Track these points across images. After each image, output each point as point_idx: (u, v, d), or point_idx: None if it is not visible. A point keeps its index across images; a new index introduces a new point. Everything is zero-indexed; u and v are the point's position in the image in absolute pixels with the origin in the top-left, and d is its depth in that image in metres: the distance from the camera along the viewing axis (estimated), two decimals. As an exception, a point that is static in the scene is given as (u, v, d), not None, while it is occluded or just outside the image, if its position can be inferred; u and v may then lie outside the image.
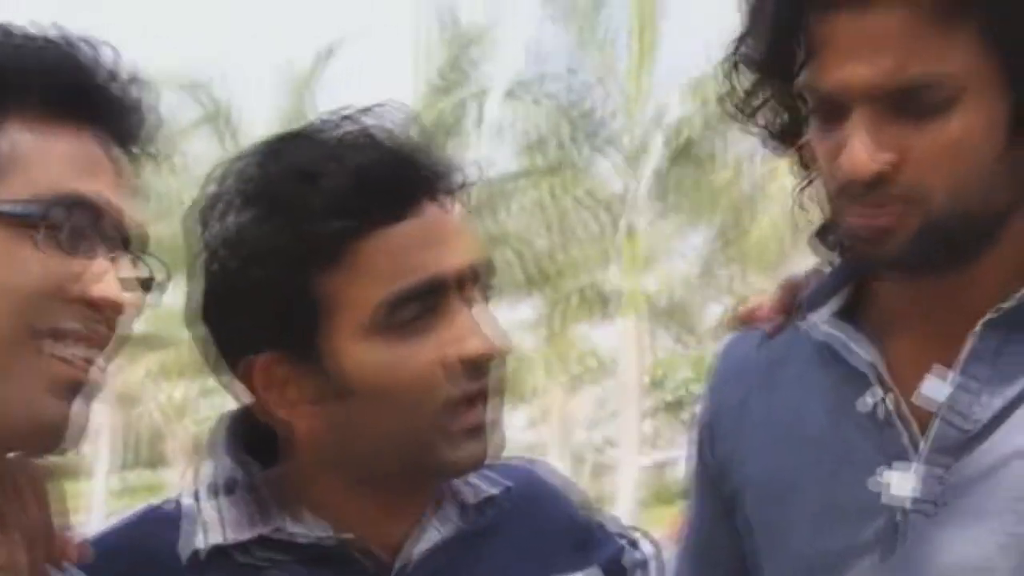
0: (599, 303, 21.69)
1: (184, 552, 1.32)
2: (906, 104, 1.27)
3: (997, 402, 1.32)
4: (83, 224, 1.07)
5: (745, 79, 1.38)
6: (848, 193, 1.29)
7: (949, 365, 1.34)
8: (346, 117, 1.34)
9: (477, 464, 1.34)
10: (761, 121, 1.40)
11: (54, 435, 1.03)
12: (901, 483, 1.33)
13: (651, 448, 28.42)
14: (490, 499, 1.41)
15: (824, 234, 1.41)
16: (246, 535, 1.32)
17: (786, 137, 1.40)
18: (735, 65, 1.38)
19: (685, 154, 19.50)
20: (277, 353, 1.32)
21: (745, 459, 1.46)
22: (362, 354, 1.30)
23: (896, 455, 1.34)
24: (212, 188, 1.35)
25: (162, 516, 1.36)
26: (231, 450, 1.36)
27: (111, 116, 1.11)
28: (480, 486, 1.41)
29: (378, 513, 1.35)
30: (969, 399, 1.32)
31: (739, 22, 1.36)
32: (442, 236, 1.32)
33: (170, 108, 20.92)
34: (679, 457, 39.19)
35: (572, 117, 20.16)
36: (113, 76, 1.12)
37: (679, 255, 23.54)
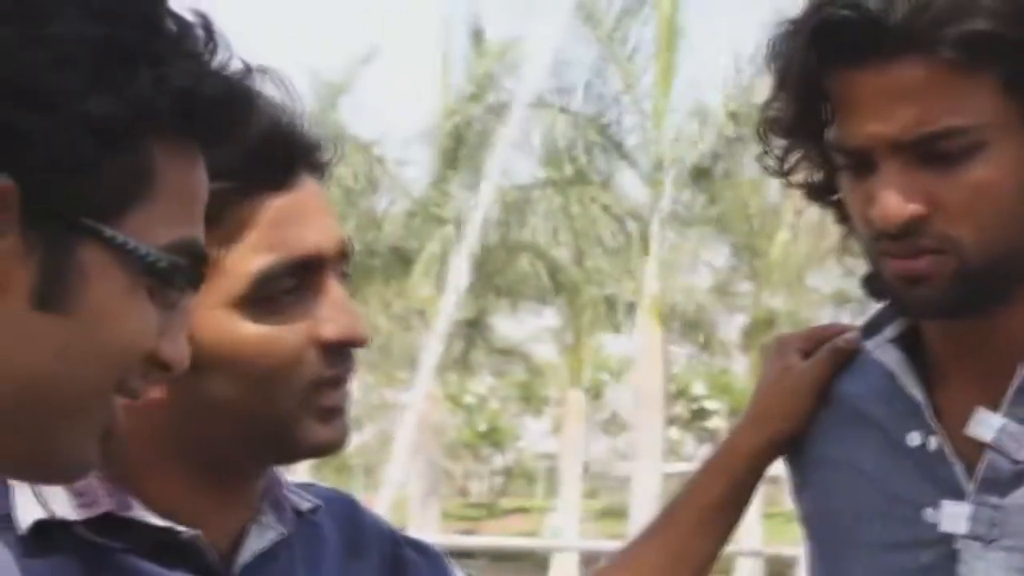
0: (619, 313, 21.80)
1: (24, 521, 1.21)
2: (931, 153, 1.30)
3: None
4: (194, 284, 0.93)
5: (778, 140, 1.42)
6: (883, 241, 1.33)
7: (996, 402, 1.36)
8: None
9: (339, 445, 1.27)
10: (797, 179, 1.44)
11: (86, 474, 0.95)
12: (954, 518, 1.37)
13: (671, 458, 28.46)
14: (313, 510, 1.34)
15: (869, 282, 1.44)
16: (82, 514, 1.22)
17: (822, 193, 1.43)
18: (767, 127, 1.42)
19: (704, 169, 19.62)
20: None
21: (811, 490, 1.52)
22: (225, 326, 1.21)
23: (948, 490, 1.38)
24: None
25: None
26: None
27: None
28: (302, 496, 1.35)
29: (210, 505, 1.26)
30: (1014, 439, 1.36)
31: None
32: (321, 210, 1.26)
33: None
34: (697, 468, 39.08)
35: (595, 129, 20.28)
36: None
37: (698, 268, 23.63)
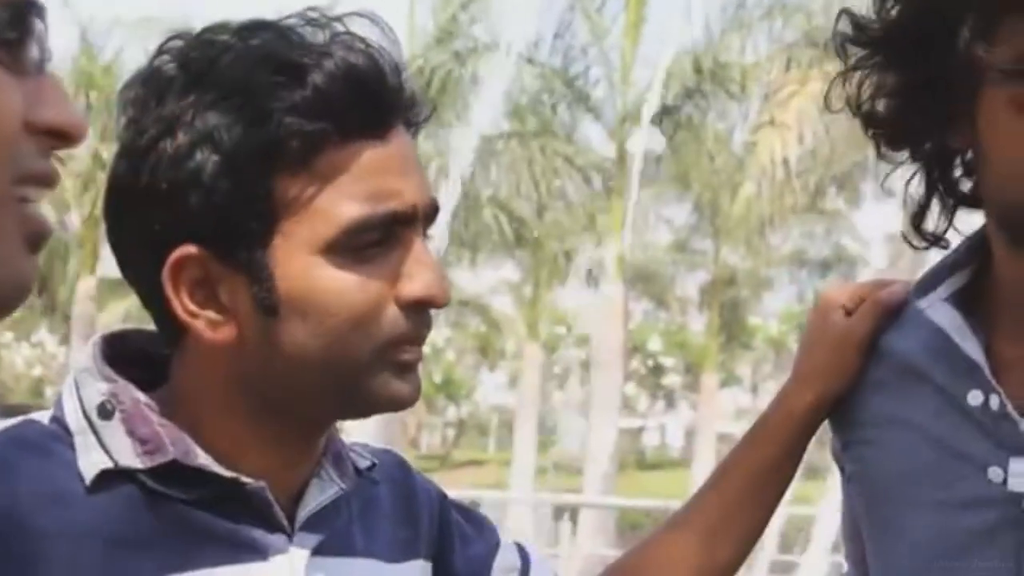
0: (579, 268, 21.77)
1: (88, 472, 1.19)
2: None
3: None
4: (29, 30, 0.84)
5: (856, 69, 1.39)
6: None
7: None
8: (315, 19, 1.22)
9: (412, 400, 1.25)
10: (872, 109, 1.41)
11: (26, 294, 0.86)
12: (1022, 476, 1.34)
13: (626, 413, 28.53)
14: (371, 467, 1.34)
15: (918, 221, 1.42)
16: (146, 462, 1.19)
17: (908, 126, 1.40)
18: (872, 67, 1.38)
19: (670, 125, 19.54)
20: (199, 248, 1.18)
21: (861, 448, 1.47)
22: (310, 270, 1.18)
23: (1014, 448, 1.35)
24: (144, 70, 1.21)
25: (48, 432, 1.22)
26: (103, 373, 1.22)
27: None
28: (360, 453, 1.35)
29: (274, 458, 1.24)
30: None
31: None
32: (414, 165, 1.23)
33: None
34: (653, 425, 39.38)
35: (562, 80, 20.17)
36: None
37: (660, 224, 23.64)
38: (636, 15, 19.47)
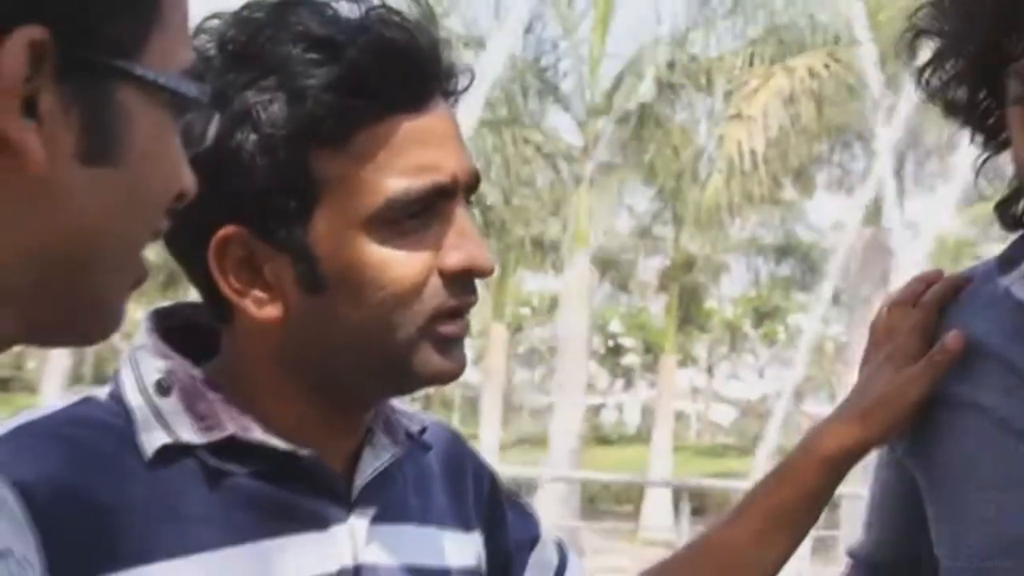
0: (545, 252, 22.29)
1: (149, 448, 1.19)
2: None
3: None
4: (204, 100, 0.86)
5: (934, 58, 1.38)
6: None
7: None
8: None
9: (455, 375, 1.24)
10: (950, 97, 1.39)
11: (108, 336, 0.87)
12: None
13: (588, 391, 29.18)
14: (422, 431, 1.34)
15: (1006, 208, 1.38)
16: (205, 438, 1.20)
17: (978, 115, 1.38)
18: (917, 37, 1.39)
19: (636, 115, 20.09)
20: (242, 228, 1.18)
21: (922, 429, 1.43)
22: (352, 246, 1.18)
23: None
24: None
25: (107, 408, 1.21)
26: (159, 349, 1.23)
27: None
28: (411, 418, 1.34)
29: (326, 428, 1.24)
30: None
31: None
32: (454, 136, 1.21)
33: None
34: (611, 403, 39.68)
35: (533, 72, 20.63)
36: None
37: (622, 211, 24.18)
38: (604, 10, 20.02)
